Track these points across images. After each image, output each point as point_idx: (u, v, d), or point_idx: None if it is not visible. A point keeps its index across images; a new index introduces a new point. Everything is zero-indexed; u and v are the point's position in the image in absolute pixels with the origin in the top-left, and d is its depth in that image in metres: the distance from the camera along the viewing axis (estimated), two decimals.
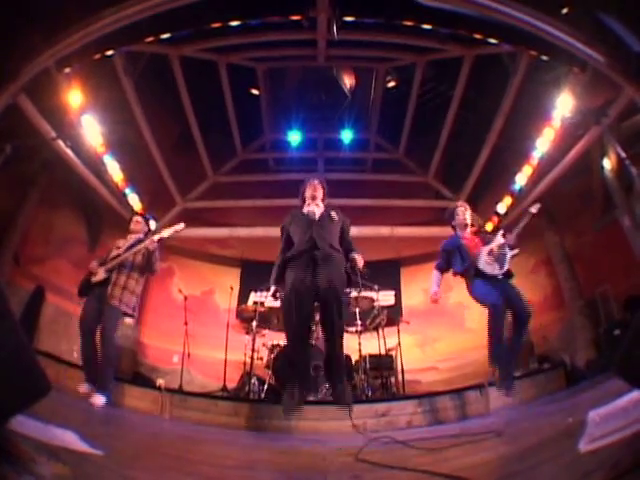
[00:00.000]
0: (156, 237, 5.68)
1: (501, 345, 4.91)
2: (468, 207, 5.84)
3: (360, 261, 4.50)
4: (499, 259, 5.15)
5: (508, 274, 5.20)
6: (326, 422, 5.19)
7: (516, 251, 5.27)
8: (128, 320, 6.08)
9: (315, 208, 4.63)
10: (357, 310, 7.47)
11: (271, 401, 6.50)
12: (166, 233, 5.76)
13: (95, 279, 5.52)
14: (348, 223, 4.79)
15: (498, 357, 4.90)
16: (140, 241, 5.86)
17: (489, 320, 4.94)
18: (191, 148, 10.89)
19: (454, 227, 5.80)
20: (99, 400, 4.98)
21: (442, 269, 5.64)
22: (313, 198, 4.75)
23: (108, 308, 5.38)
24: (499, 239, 5.27)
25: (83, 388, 5.11)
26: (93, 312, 5.39)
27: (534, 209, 5.41)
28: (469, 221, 5.71)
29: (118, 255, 5.68)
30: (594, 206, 8.09)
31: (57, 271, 8.39)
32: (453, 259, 5.50)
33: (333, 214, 4.64)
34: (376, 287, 7.86)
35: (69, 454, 1.82)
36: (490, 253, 5.19)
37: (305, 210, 4.67)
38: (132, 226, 6.15)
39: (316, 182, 4.86)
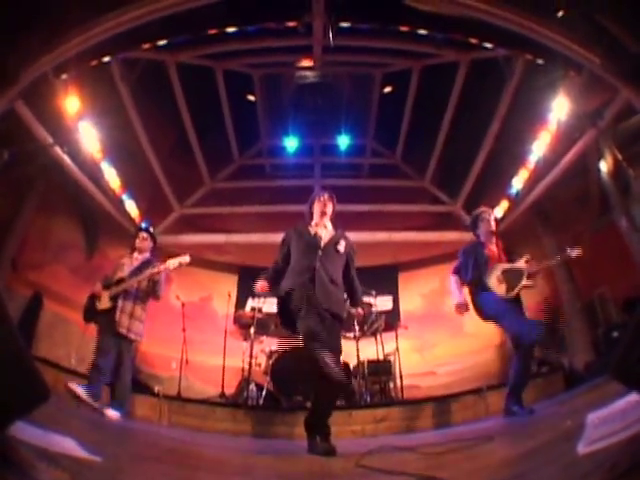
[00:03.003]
0: (162, 267, 5.65)
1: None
2: (493, 213, 5.49)
3: (359, 316, 4.30)
4: (511, 282, 4.80)
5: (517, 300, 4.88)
6: None
7: (531, 282, 4.88)
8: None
9: (323, 231, 4.32)
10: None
11: (269, 407, 6.50)
12: (172, 265, 5.69)
13: (100, 306, 5.53)
14: (354, 254, 4.41)
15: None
16: (146, 263, 5.85)
17: (516, 357, 4.67)
18: (188, 154, 10.90)
19: (478, 236, 5.37)
20: (114, 415, 5.04)
21: (459, 272, 5.19)
22: (322, 215, 4.42)
23: (124, 343, 5.43)
24: (521, 263, 4.94)
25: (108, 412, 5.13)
26: (110, 351, 5.39)
27: (574, 253, 5.04)
28: (494, 228, 5.35)
29: (122, 279, 5.66)
30: (591, 208, 8.10)
31: (55, 277, 8.37)
32: (470, 266, 5.08)
33: (340, 245, 4.23)
34: (374, 292, 7.87)
35: (68, 460, 1.82)
36: (505, 272, 4.85)
37: (312, 230, 4.33)
38: (138, 243, 6.11)
39: (326, 196, 4.51)
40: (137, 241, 6.13)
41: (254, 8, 7.18)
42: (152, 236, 6.34)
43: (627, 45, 5.57)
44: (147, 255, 6.07)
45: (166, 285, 6.28)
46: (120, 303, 5.50)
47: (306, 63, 9.76)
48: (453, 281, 5.22)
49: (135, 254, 6.05)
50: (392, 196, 11.45)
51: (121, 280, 5.63)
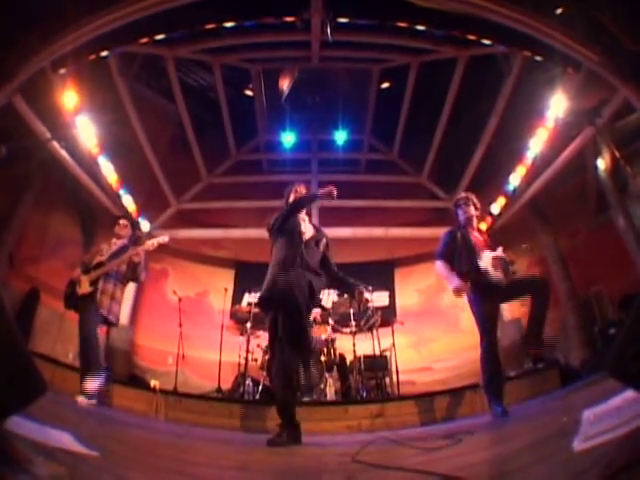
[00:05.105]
0: (141, 249, 5.67)
1: (492, 377, 4.52)
2: (473, 197, 5.18)
3: (366, 296, 4.12)
4: (503, 268, 4.58)
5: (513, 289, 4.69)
6: (321, 423, 5.19)
7: (514, 269, 4.72)
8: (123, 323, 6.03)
9: (305, 226, 4.28)
10: (351, 311, 7.48)
11: (265, 402, 6.50)
12: (151, 246, 5.72)
13: (81, 291, 5.48)
14: (330, 251, 4.34)
15: (489, 385, 4.53)
16: (124, 248, 5.84)
17: (481, 354, 4.55)
18: (185, 149, 10.89)
19: (459, 223, 5.13)
20: (84, 402, 4.98)
21: (444, 256, 4.88)
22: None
23: (94, 315, 5.40)
24: (499, 252, 4.71)
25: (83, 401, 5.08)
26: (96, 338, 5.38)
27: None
28: (474, 212, 5.08)
29: (101, 263, 5.63)
30: (588, 206, 8.11)
31: (52, 272, 8.36)
32: (456, 253, 4.85)
33: (321, 243, 4.22)
34: (370, 288, 7.88)
35: (65, 455, 1.82)
36: (494, 259, 4.62)
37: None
38: (117, 230, 6.06)
39: (302, 187, 4.53)
40: (116, 227, 6.08)
41: (252, 3, 7.17)
42: (132, 224, 6.33)
43: (626, 43, 5.56)
44: (125, 241, 6.05)
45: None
46: (101, 285, 5.47)
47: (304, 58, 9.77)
48: (441, 266, 4.87)
49: (114, 240, 6.02)
50: (389, 192, 11.47)
51: (100, 264, 5.61)
